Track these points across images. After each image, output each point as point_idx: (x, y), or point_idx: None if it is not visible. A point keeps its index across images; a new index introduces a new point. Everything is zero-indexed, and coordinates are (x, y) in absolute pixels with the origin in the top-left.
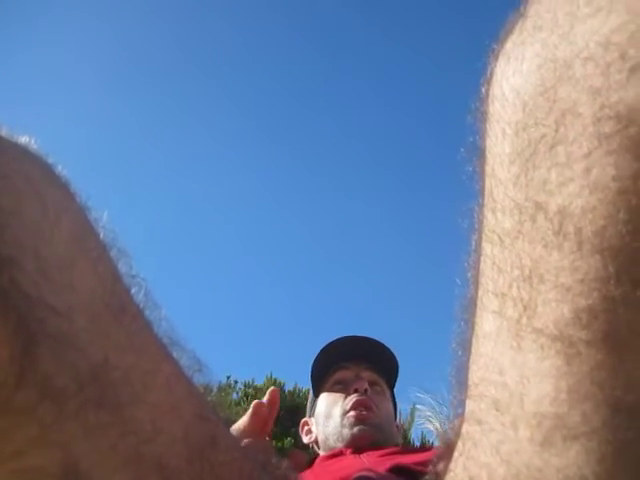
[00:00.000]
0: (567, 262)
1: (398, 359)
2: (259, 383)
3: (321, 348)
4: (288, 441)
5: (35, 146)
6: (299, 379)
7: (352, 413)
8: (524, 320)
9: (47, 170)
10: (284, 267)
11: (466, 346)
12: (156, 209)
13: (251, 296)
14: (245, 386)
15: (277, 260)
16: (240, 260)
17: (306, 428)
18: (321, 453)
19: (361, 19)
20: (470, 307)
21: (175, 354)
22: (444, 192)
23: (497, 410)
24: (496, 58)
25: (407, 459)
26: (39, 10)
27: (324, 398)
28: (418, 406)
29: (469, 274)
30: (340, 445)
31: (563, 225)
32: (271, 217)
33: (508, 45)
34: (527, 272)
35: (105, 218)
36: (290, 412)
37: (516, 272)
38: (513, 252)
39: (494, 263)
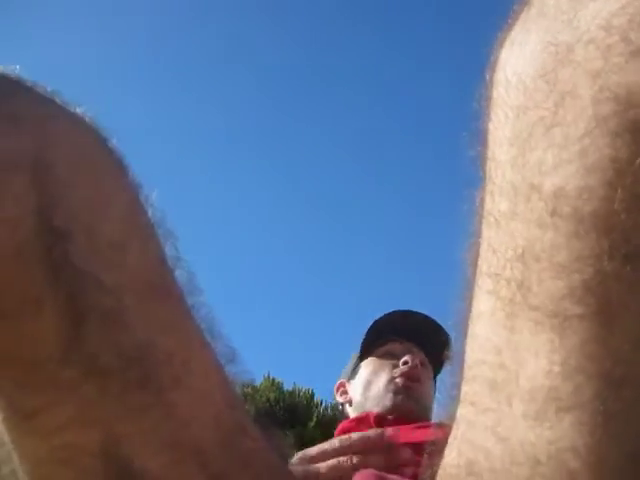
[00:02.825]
0: (562, 241)
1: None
2: (257, 383)
3: (382, 315)
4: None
5: (90, 116)
6: (298, 378)
7: (400, 380)
8: (518, 298)
9: (102, 142)
10: (282, 264)
11: (462, 328)
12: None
13: (248, 292)
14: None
15: (274, 257)
16: (236, 256)
17: (342, 389)
18: (351, 415)
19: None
20: (467, 290)
21: (212, 341)
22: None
23: (492, 390)
24: (501, 46)
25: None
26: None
27: (370, 363)
28: None
29: (468, 257)
30: (376, 410)
31: (558, 206)
32: (268, 215)
33: (513, 32)
34: (520, 251)
35: (154, 197)
36: (289, 412)
37: (510, 252)
38: (508, 233)
39: (489, 245)
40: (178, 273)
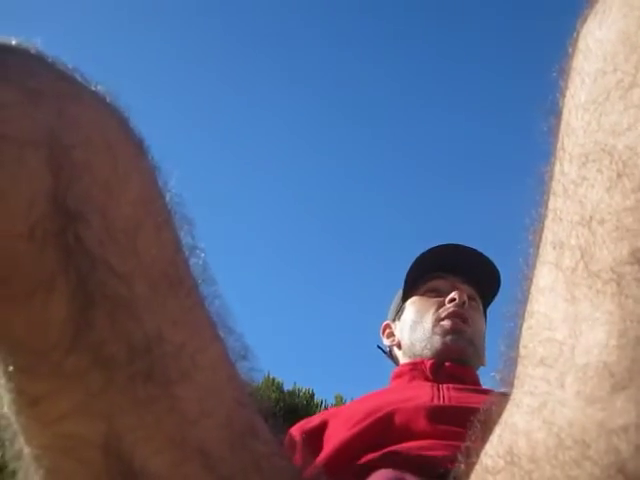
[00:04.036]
0: (629, 203)
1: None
2: (256, 382)
3: (420, 253)
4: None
5: (112, 95)
6: (298, 378)
7: (447, 322)
8: (580, 267)
9: (122, 123)
10: (282, 263)
11: (519, 309)
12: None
13: (248, 291)
14: None
15: (275, 256)
16: (236, 255)
17: (387, 331)
18: (401, 359)
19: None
20: (526, 270)
21: (224, 335)
22: None
23: (544, 367)
24: (583, 20)
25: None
26: None
27: (415, 302)
28: None
29: (531, 238)
30: (427, 353)
31: (627, 166)
32: (270, 214)
33: (597, 5)
34: (587, 217)
35: (173, 181)
36: (289, 413)
37: (576, 218)
38: (575, 199)
39: (555, 215)
40: (193, 262)
